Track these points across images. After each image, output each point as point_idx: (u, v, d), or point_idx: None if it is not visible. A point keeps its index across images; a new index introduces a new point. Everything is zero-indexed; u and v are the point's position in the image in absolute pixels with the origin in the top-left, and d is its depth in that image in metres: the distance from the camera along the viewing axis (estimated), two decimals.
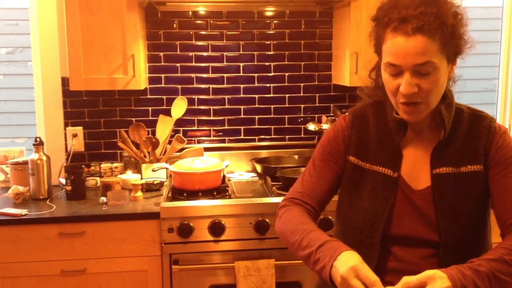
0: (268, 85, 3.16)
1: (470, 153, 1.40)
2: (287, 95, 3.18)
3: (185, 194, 2.60)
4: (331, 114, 3.18)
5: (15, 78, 3.13)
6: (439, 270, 1.19)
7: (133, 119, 3.07)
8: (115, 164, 3.01)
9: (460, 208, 1.37)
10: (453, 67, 1.36)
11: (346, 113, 1.55)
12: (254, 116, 3.18)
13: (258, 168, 2.98)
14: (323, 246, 1.27)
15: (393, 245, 1.40)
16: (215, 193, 2.63)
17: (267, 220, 2.50)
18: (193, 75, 3.11)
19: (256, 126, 3.19)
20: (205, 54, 3.11)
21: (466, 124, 1.42)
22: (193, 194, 2.60)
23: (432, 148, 1.41)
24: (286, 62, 3.16)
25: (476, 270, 1.22)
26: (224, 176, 2.82)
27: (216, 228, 2.49)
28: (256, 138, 3.20)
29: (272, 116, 3.19)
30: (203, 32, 3.09)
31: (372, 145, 1.45)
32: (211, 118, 3.15)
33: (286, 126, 3.21)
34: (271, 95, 3.17)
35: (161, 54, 3.08)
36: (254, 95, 3.16)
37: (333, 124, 1.56)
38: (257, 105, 3.17)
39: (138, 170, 2.93)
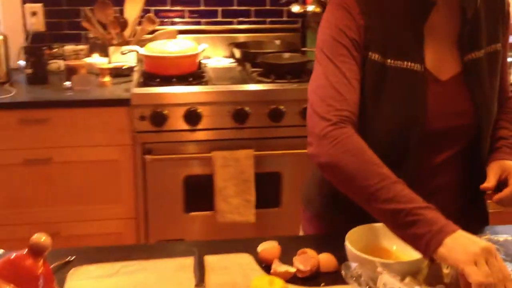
0: None
1: (492, 29, 1.24)
2: None
3: (157, 80, 2.40)
4: None
5: None
6: None
7: None
8: (80, 46, 2.76)
9: (492, 91, 1.24)
10: None
11: None
12: None
13: (237, 53, 2.77)
14: (423, 210, 1.00)
15: (425, 148, 1.21)
16: (190, 79, 2.43)
17: (247, 108, 2.34)
18: None
19: (235, 7, 2.92)
20: None
21: None
22: (166, 80, 2.40)
23: (456, 30, 1.20)
24: None
25: None
26: (200, 62, 2.62)
27: (192, 117, 2.32)
28: (235, 20, 2.94)
29: None
30: None
31: (391, 35, 1.18)
32: None
33: (268, 7, 2.94)
34: None
35: None
36: None
37: (336, 8, 1.20)
38: None
39: (105, 53, 2.70)
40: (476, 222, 1.32)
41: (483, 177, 1.23)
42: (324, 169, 1.12)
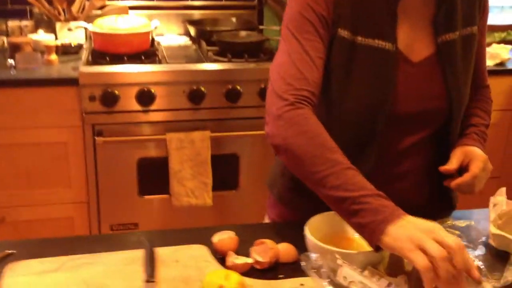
0: None
1: (469, 12, 1.19)
2: None
3: (107, 58, 2.28)
4: None
5: None
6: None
7: None
8: (25, 22, 2.60)
9: (465, 76, 1.20)
10: None
11: None
12: None
13: (192, 31, 2.67)
14: (370, 198, 0.95)
15: (394, 131, 1.17)
16: (143, 58, 2.33)
17: (202, 88, 2.25)
18: None
19: None
20: None
21: None
22: (117, 58, 2.28)
23: (431, 11, 1.15)
24: None
25: (484, 138, 1.25)
26: (153, 39, 2.51)
27: (145, 97, 2.22)
28: None
29: None
30: None
31: (363, 11, 1.12)
32: None
33: None
34: None
35: None
36: None
37: None
38: None
39: (52, 29, 2.55)
40: (443, 207, 1.29)
41: None
42: (277, 150, 1.08)
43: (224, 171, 2.42)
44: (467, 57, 1.20)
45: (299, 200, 1.26)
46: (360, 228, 0.96)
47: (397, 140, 1.19)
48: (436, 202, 1.26)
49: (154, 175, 2.36)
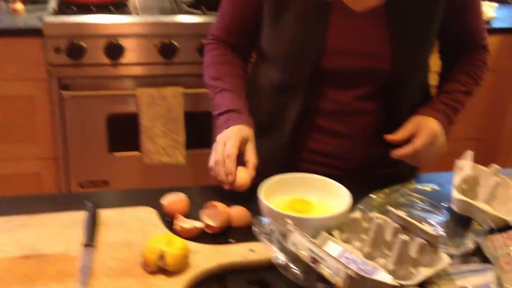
0: None
1: None
2: None
3: (74, 8, 2.17)
4: None
5: None
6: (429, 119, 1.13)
7: None
8: None
9: (421, 37, 1.12)
10: None
11: None
12: None
13: None
14: (222, 115, 1.13)
15: (325, 84, 1.13)
16: (112, 8, 2.21)
17: (175, 42, 2.15)
18: None
19: None
20: None
21: None
22: (84, 8, 2.17)
23: None
24: None
25: (455, 108, 1.18)
26: None
27: (113, 49, 2.12)
28: None
29: None
30: None
31: None
32: None
33: None
34: None
35: None
36: None
37: None
38: None
39: None
40: (399, 171, 1.22)
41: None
42: None
43: (199, 129, 2.35)
44: (427, 17, 1.11)
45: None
46: None
47: (328, 95, 1.14)
48: (392, 165, 1.20)
49: (124, 132, 2.29)
